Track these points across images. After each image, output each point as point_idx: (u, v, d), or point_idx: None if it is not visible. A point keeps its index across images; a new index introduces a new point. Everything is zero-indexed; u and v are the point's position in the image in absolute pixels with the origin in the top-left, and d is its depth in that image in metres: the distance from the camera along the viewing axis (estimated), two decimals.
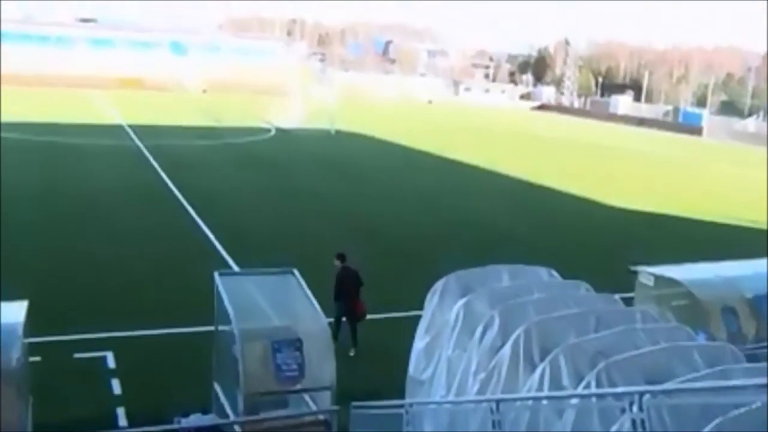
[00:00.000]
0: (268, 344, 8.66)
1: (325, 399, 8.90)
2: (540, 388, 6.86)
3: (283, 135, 48.32)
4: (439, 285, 9.69)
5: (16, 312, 8.54)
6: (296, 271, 10.09)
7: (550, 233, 24.35)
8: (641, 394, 5.15)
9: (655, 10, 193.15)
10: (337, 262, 13.64)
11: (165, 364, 12.23)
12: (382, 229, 23.31)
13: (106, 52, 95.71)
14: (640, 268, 11.94)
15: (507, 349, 7.65)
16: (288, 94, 59.57)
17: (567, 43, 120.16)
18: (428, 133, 54.64)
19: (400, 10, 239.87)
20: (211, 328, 9.90)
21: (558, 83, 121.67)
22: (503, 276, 9.86)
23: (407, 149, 44.99)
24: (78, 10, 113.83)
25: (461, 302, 8.96)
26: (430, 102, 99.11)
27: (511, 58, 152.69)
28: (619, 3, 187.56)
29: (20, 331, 8.22)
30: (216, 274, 9.59)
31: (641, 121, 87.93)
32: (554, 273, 10.20)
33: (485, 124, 69.09)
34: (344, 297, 13.16)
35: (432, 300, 9.62)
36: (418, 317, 10.16)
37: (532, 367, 7.30)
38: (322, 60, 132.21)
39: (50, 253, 18.16)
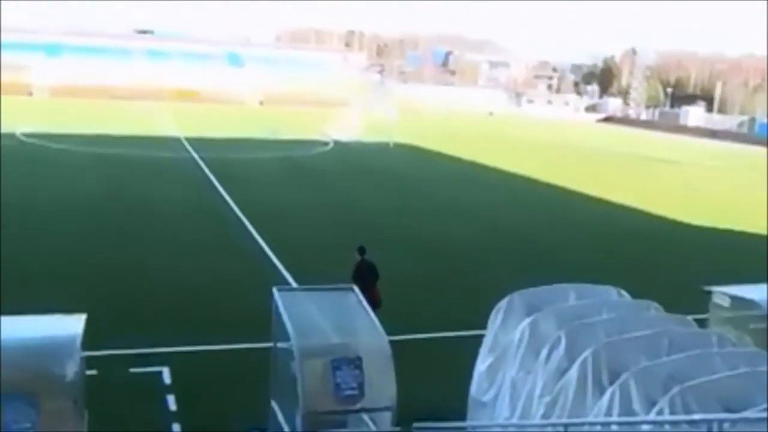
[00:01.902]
0: (327, 362, 8.69)
1: (386, 419, 8.88)
2: (609, 413, 6.76)
3: (341, 148, 48.71)
4: (502, 304, 9.64)
5: (74, 325, 8.74)
6: (356, 288, 10.14)
7: (614, 250, 23.95)
8: (720, 422, 5.04)
9: (727, 17, 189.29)
10: (357, 256, 14.43)
11: (222, 381, 12.38)
12: (440, 245, 23.25)
13: (162, 64, 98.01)
14: (714, 288, 11.67)
15: (574, 372, 7.56)
16: (346, 107, 60.08)
17: (634, 52, 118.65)
18: (489, 147, 54.40)
19: (460, 21, 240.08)
20: (269, 344, 10.00)
21: (624, 94, 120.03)
22: (570, 295, 9.76)
23: (467, 163, 44.85)
24: (135, 22, 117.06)
25: (526, 322, 8.90)
26: (491, 114, 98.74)
27: (575, 69, 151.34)
28: (688, 11, 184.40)
29: (78, 343, 8.40)
30: (275, 290, 9.69)
31: (714, 133, 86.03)
32: (623, 292, 10.05)
33: (548, 137, 68.47)
34: (362, 288, 13.38)
35: (495, 319, 9.57)
36: (480, 336, 10.12)
37: (601, 391, 7.20)
38: (380, 72, 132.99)
39: (108, 266, 18.60)
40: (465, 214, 28.61)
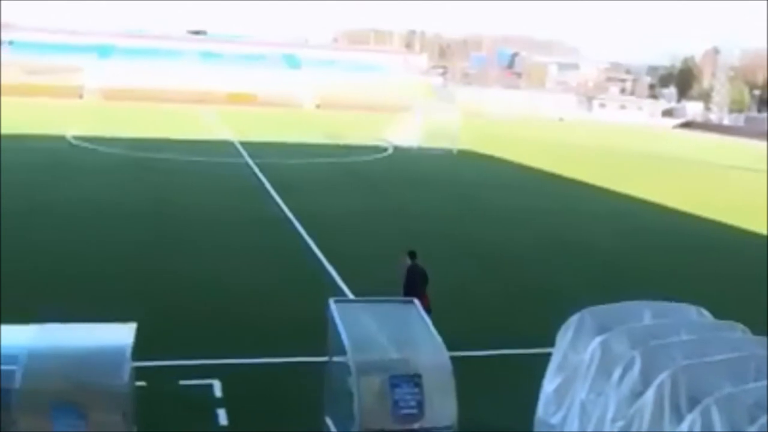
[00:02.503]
0: (385, 378, 8.70)
1: None
2: None
3: (401, 154, 48.82)
4: (572, 321, 9.51)
5: (124, 334, 8.93)
6: (416, 300, 10.13)
7: (693, 266, 23.42)
8: None
9: None
10: (407, 260, 14.47)
11: (274, 396, 12.48)
12: (504, 256, 23.10)
13: (216, 66, 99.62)
14: None
15: (650, 396, 7.42)
16: (406, 111, 60.16)
17: (716, 51, 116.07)
18: (558, 154, 53.88)
19: (528, 20, 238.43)
20: (325, 358, 10.06)
21: (705, 97, 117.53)
22: (644, 313, 9.58)
23: (534, 170, 44.46)
24: (188, 23, 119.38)
25: (597, 341, 8.77)
26: (560, 119, 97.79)
27: (651, 70, 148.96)
28: None
29: (128, 354, 8.58)
30: (331, 302, 9.74)
31: None
32: (704, 312, 9.83)
33: (621, 144, 67.48)
34: (413, 294, 13.45)
35: (564, 337, 9.45)
36: (547, 354, 10.00)
37: (679, 418, 7.05)
38: (442, 74, 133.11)
39: (159, 274, 18.95)
40: (531, 225, 28.36)
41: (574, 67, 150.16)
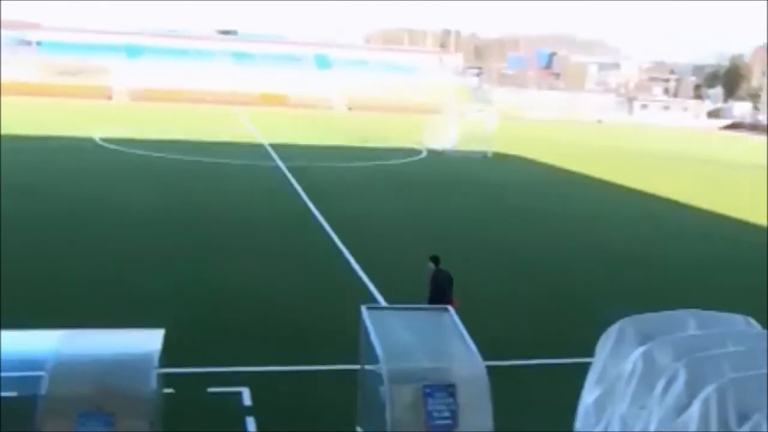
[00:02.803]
0: (418, 388, 8.67)
1: None
2: None
3: (435, 157, 48.78)
4: (612, 330, 9.39)
5: (152, 340, 8.98)
6: (451, 308, 10.09)
7: (740, 274, 23.08)
8: None
9: None
10: (431, 265, 14.50)
11: (304, 404, 12.50)
12: (541, 262, 22.96)
13: (246, 66, 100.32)
14: None
15: (695, 410, 7.29)
16: (440, 113, 60.14)
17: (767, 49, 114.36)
18: (597, 157, 53.50)
19: (567, 20, 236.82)
20: (356, 366, 10.06)
21: (754, 97, 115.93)
22: (689, 323, 9.44)
23: (572, 174, 44.21)
24: (218, 22, 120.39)
25: (639, 351, 8.65)
26: (599, 121, 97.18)
27: (696, 70, 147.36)
28: None
29: (156, 360, 8.64)
30: (363, 308, 9.74)
31: None
32: (753, 321, 9.65)
33: (664, 147, 66.84)
34: (439, 299, 13.76)
35: (604, 347, 9.32)
36: (585, 364, 9.89)
37: None
38: (478, 75, 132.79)
39: (187, 279, 19.09)
40: (569, 230, 28.18)
41: (615, 67, 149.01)
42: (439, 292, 14.02)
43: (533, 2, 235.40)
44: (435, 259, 14.74)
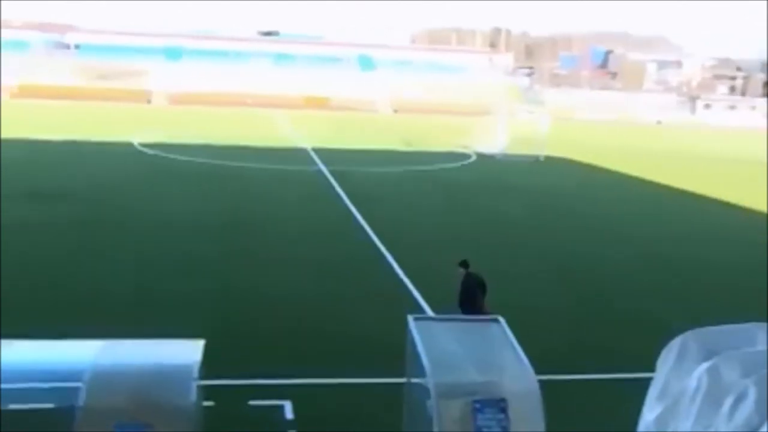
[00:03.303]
0: (467, 402, 8.60)
1: None
2: None
3: (484, 161, 48.62)
4: (674, 344, 9.21)
5: (192, 351, 9.05)
6: (501, 319, 10.02)
7: None
8: None
9: None
10: (461, 270, 14.75)
11: (348, 419, 12.49)
12: (597, 271, 22.74)
13: (288, 68, 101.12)
14: None
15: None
16: (490, 115, 59.98)
17: None
18: (656, 161, 52.85)
19: (623, 16, 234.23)
20: (402, 379, 10.03)
21: None
22: (758, 336, 9.22)
23: (629, 178, 43.74)
24: (259, 23, 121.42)
25: (704, 367, 8.47)
26: (659, 123, 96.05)
27: (765, 66, 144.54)
28: None
29: (196, 371, 8.69)
30: (410, 318, 9.71)
31: None
32: None
33: (729, 149, 65.77)
34: (470, 305, 14.09)
35: (666, 361, 9.15)
36: (645, 380, 9.73)
37: None
38: (529, 75, 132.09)
39: (228, 288, 19.24)
40: (626, 237, 27.87)
41: (676, 65, 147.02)
42: (470, 297, 14.29)
43: None
44: (464, 264, 14.95)
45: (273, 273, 20.81)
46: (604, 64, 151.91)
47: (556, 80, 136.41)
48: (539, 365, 9.41)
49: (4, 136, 48.39)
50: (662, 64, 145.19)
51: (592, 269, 23.07)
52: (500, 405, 8.68)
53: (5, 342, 9.11)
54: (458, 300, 14.38)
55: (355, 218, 28.40)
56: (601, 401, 13.32)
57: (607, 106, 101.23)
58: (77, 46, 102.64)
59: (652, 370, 9.63)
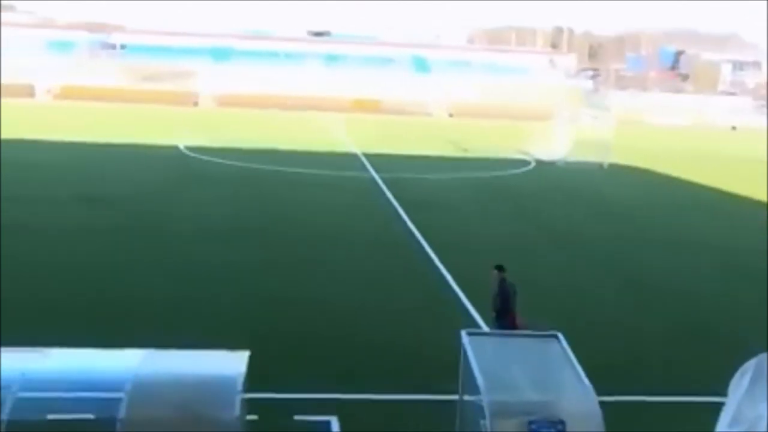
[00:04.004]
0: (523, 423, 8.57)
1: None
2: None
3: (544, 168, 48.30)
4: (749, 366, 9.04)
5: (236, 363, 9.15)
6: (560, 335, 9.96)
7: None
8: None
9: None
10: (495, 272, 14.87)
11: None
12: (668, 287, 22.40)
13: (339, 69, 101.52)
14: None
15: None
16: (551, 119, 59.54)
17: None
18: (729, 168, 51.98)
19: (695, 13, 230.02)
20: (455, 397, 10.02)
21: None
22: None
23: (699, 187, 43.09)
24: (309, 22, 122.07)
25: None
26: (733, 128, 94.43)
27: None
28: None
29: (240, 384, 8.79)
30: (463, 334, 9.71)
31: None
32: None
33: None
34: (506, 314, 14.36)
35: (739, 384, 8.99)
36: (716, 404, 9.59)
37: None
38: (593, 77, 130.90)
39: (274, 299, 19.38)
40: (692, 249, 27.49)
41: (755, 65, 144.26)
42: (506, 305, 14.46)
43: None
44: (500, 268, 15.07)
45: (320, 282, 20.91)
46: (674, 65, 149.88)
47: (622, 82, 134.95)
48: (601, 384, 9.33)
49: (46, 138, 49.50)
50: (738, 65, 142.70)
51: (662, 283, 22.75)
52: (558, 426, 8.63)
53: (45, 350, 9.32)
54: (498, 309, 14.52)
55: (406, 226, 28.41)
56: (668, 426, 13.14)
57: (677, 110, 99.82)
58: (123, 47, 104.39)
59: (724, 393, 9.49)
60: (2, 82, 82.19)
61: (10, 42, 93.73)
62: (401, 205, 32.40)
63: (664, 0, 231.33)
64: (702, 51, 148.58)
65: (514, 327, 14.13)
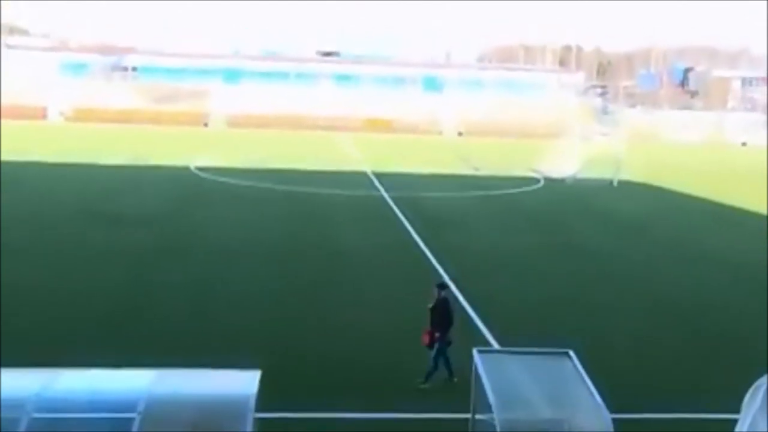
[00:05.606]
0: None
1: None
2: None
3: (555, 186, 48.29)
4: (762, 383, 9.03)
5: (248, 382, 9.16)
6: (572, 353, 9.94)
7: None
8: None
9: None
10: (438, 292, 15.65)
11: None
12: (683, 302, 22.35)
13: (349, 89, 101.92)
14: None
15: None
16: (561, 137, 59.66)
17: None
18: (740, 184, 51.84)
19: (704, 29, 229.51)
20: (467, 415, 9.99)
21: None
22: None
23: (711, 204, 43.00)
24: (319, 43, 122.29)
25: None
26: (744, 144, 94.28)
27: None
28: None
29: (252, 403, 8.80)
30: (475, 352, 9.71)
31: None
32: None
33: None
34: (442, 328, 14.97)
35: (753, 401, 8.97)
36: (729, 421, 9.56)
37: None
38: (602, 94, 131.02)
39: (286, 318, 19.37)
40: (706, 265, 27.41)
41: (764, 81, 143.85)
42: (448, 321, 15.13)
43: (666, 9, 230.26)
44: (442, 286, 16.30)
45: (331, 302, 20.89)
46: (684, 82, 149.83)
47: (631, 100, 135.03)
48: (616, 402, 9.30)
49: (59, 160, 49.76)
50: (748, 81, 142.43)
51: (677, 299, 22.69)
52: None
53: (59, 371, 9.36)
54: (445, 324, 15.01)
55: (418, 246, 28.39)
56: None
57: (687, 127, 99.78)
58: (134, 68, 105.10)
59: (737, 410, 9.45)
60: (15, 104, 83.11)
61: (24, 64, 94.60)
62: (411, 224, 32.33)
63: (674, 17, 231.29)
64: (713, 67, 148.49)
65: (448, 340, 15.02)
